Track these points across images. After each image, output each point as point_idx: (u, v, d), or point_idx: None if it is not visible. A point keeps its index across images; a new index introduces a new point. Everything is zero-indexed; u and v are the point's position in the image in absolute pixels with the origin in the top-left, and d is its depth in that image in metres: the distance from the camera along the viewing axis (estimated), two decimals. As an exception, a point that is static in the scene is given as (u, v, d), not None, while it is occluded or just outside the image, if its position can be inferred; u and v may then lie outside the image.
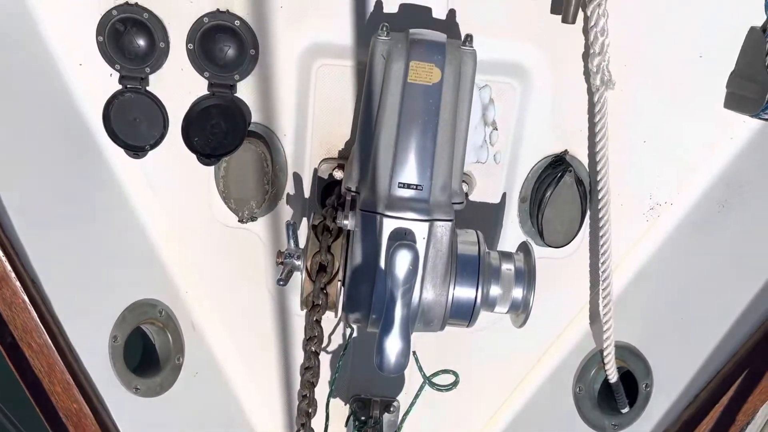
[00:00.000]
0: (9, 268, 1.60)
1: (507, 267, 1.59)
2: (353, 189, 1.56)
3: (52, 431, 1.70)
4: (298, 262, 1.59)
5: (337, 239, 1.55)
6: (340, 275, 1.53)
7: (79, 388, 1.71)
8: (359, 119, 1.55)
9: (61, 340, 1.69)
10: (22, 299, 1.62)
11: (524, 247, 1.62)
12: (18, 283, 1.61)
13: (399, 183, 1.46)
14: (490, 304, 1.59)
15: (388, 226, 1.45)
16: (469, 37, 1.49)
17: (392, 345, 1.41)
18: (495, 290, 1.58)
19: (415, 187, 1.46)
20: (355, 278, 1.50)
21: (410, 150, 1.45)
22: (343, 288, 1.54)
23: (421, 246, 1.45)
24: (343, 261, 1.54)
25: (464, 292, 1.55)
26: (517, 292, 1.58)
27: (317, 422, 1.70)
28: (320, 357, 1.64)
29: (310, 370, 1.61)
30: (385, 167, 1.46)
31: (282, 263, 1.59)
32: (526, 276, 1.58)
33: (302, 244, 1.64)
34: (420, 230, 1.45)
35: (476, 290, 1.55)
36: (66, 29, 1.70)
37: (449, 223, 1.47)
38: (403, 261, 1.37)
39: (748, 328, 1.78)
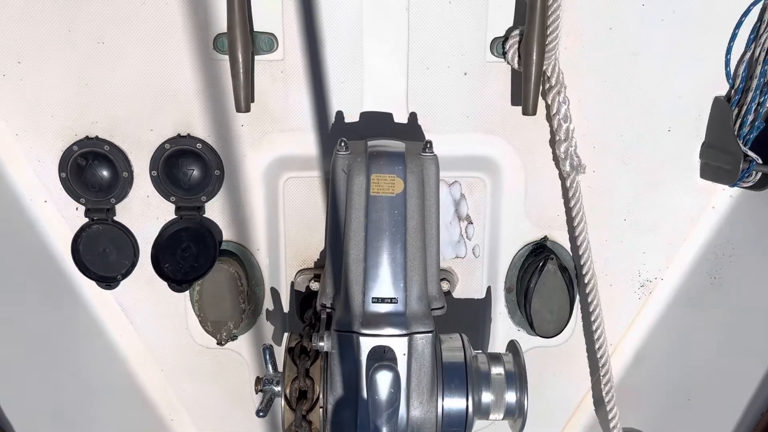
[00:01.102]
0: (-22, 423, 1.53)
1: (497, 371, 1.51)
2: (328, 305, 1.51)
3: None
4: (277, 388, 1.52)
5: (316, 361, 1.49)
6: (321, 401, 1.45)
7: None
8: (327, 234, 1.51)
9: (38, 493, 1.60)
10: (-6, 455, 1.55)
11: (512, 347, 1.55)
12: (-12, 439, 1.54)
13: (373, 298, 1.40)
14: (483, 411, 1.51)
15: (366, 345, 1.38)
16: (428, 144, 1.47)
17: (382, 473, 1.32)
18: (487, 396, 1.50)
19: (389, 300, 1.40)
20: (337, 404, 1.43)
21: (381, 263, 1.40)
22: (325, 418, 1.46)
23: (402, 363, 1.38)
24: (323, 385, 1.46)
25: (455, 403, 1.47)
26: (510, 396, 1.50)
27: None
28: None
29: None
30: (356, 283, 1.41)
31: (261, 390, 1.52)
32: (518, 378, 1.50)
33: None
34: (399, 346, 1.39)
35: (467, 399, 1.47)
36: (28, 168, 1.69)
37: (430, 335, 1.41)
38: (383, 384, 1.31)
39: (762, 403, 1.69)
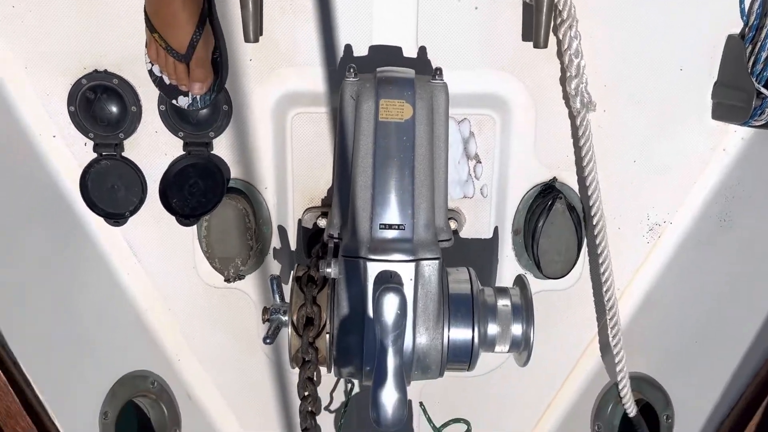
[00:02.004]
0: (-12, 350, 1.55)
1: (503, 303, 1.51)
2: (335, 236, 1.51)
3: None
4: (284, 318, 1.52)
5: (323, 289, 1.49)
6: (328, 327, 1.46)
7: (69, 471, 1.63)
8: (334, 163, 1.51)
9: (48, 423, 1.61)
10: (3, 382, 1.56)
11: (520, 281, 1.55)
12: (-1, 365, 1.55)
13: (380, 224, 1.40)
14: (489, 343, 1.51)
15: (373, 270, 1.38)
16: (438, 71, 1.46)
17: (388, 396, 1.32)
18: (493, 329, 1.50)
19: (397, 227, 1.40)
20: (344, 329, 1.43)
21: (388, 189, 1.40)
22: (331, 343, 1.47)
23: (408, 288, 1.39)
24: (329, 312, 1.47)
25: (460, 333, 1.47)
26: (516, 329, 1.50)
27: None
28: (321, 417, 1.56)
29: (308, 428, 1.52)
30: (364, 209, 1.41)
31: (268, 320, 1.52)
32: (524, 311, 1.50)
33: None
34: (406, 271, 1.39)
35: (473, 330, 1.47)
36: (37, 102, 1.69)
37: (436, 262, 1.41)
38: (390, 306, 1.30)
39: None
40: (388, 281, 1.37)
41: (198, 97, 1.62)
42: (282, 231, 1.82)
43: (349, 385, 1.92)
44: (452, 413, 1.96)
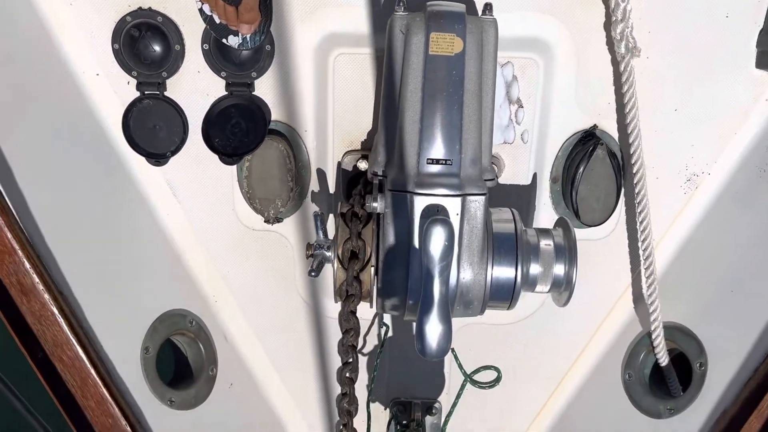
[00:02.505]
0: (37, 280, 1.57)
1: (546, 243, 1.52)
2: (380, 173, 1.52)
3: (87, 448, 1.65)
4: (328, 253, 1.54)
5: (367, 224, 1.51)
6: (372, 261, 1.48)
7: (112, 402, 1.66)
8: (381, 99, 1.51)
9: (92, 353, 1.64)
10: (52, 312, 1.59)
11: (563, 222, 1.56)
12: (47, 296, 1.58)
13: (427, 159, 1.41)
14: (530, 283, 1.53)
15: (420, 204, 1.40)
16: (488, 6, 1.45)
17: (433, 327, 1.35)
18: (535, 268, 1.52)
19: (444, 162, 1.41)
20: (389, 263, 1.45)
21: (437, 124, 1.40)
22: (376, 275, 1.49)
23: (455, 222, 1.40)
24: (374, 247, 1.49)
25: (503, 272, 1.48)
26: (559, 269, 1.52)
27: (358, 425, 1.64)
28: (357, 356, 1.59)
29: (349, 365, 1.55)
30: (411, 144, 1.42)
31: (312, 255, 1.54)
32: (567, 251, 1.51)
33: (332, 237, 1.60)
34: (453, 206, 1.40)
35: (516, 269, 1.48)
36: (81, 40, 1.70)
37: (482, 198, 1.42)
38: (438, 237, 1.32)
39: None
40: (436, 214, 1.38)
41: (248, 37, 1.62)
42: (321, 174, 1.83)
43: (384, 329, 1.95)
44: (483, 361, 1.98)
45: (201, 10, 1.62)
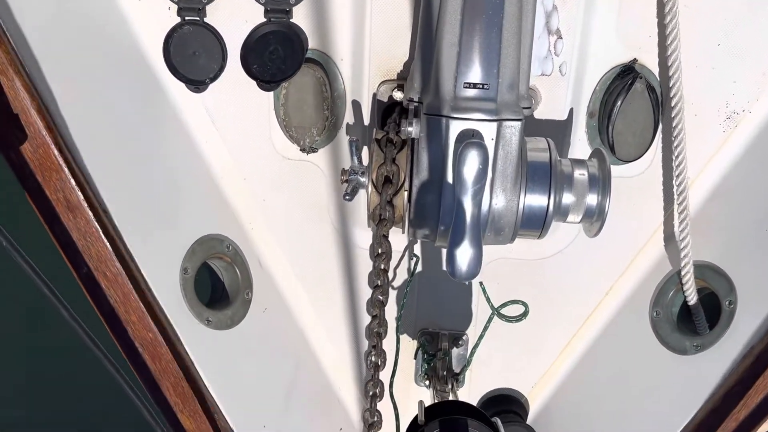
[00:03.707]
0: (81, 197, 1.62)
1: (580, 173, 1.53)
2: (416, 99, 1.53)
3: (129, 360, 1.73)
4: (362, 179, 1.57)
5: (402, 150, 1.52)
6: (406, 186, 1.50)
7: (153, 318, 1.73)
8: (419, 23, 1.51)
9: (134, 270, 1.71)
10: (96, 228, 1.65)
11: (598, 153, 1.56)
12: (90, 213, 1.63)
13: (464, 83, 1.42)
14: (562, 212, 1.54)
15: (455, 128, 1.41)
16: None
17: (464, 250, 1.37)
18: (568, 197, 1.52)
19: (481, 86, 1.41)
20: (422, 187, 1.47)
21: (475, 47, 1.40)
22: (409, 201, 1.51)
23: (489, 147, 1.41)
24: (408, 172, 1.51)
25: (535, 200, 1.50)
26: (592, 199, 1.52)
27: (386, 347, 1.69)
28: (388, 279, 1.62)
29: (380, 288, 1.59)
30: (449, 68, 1.42)
31: (346, 180, 1.57)
32: (601, 181, 1.52)
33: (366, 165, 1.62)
34: (488, 131, 1.41)
35: (548, 197, 1.49)
36: None
37: (518, 123, 1.43)
38: (472, 160, 1.33)
39: None
40: (470, 138, 1.39)
41: None
42: (356, 105, 1.85)
43: (413, 260, 1.98)
44: (511, 295, 2.01)
45: None
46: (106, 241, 1.66)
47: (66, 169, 1.60)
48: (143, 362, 1.74)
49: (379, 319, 1.60)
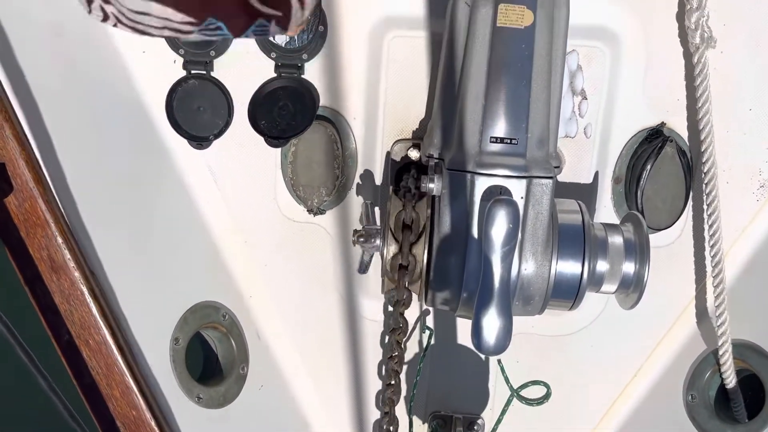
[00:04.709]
0: (68, 256, 1.48)
1: (615, 239, 1.40)
2: (436, 156, 1.42)
3: (108, 441, 1.54)
4: (376, 239, 1.44)
5: (422, 200, 1.40)
6: (425, 249, 1.37)
7: (138, 393, 1.56)
8: (440, 77, 1.43)
9: (121, 339, 1.54)
10: (81, 291, 1.50)
11: (633, 217, 1.44)
12: (77, 274, 1.49)
13: (491, 138, 1.31)
14: (596, 281, 1.41)
15: (481, 184, 1.30)
16: None
17: (492, 319, 1.23)
18: (602, 265, 1.39)
19: (509, 141, 1.31)
20: (444, 248, 1.34)
21: (502, 100, 1.31)
22: (428, 264, 1.38)
23: (519, 206, 1.29)
24: (428, 233, 1.38)
25: (568, 267, 1.37)
26: (629, 267, 1.39)
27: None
28: (400, 373, 1.46)
29: (391, 387, 1.42)
30: (474, 121, 1.33)
31: (360, 239, 1.43)
32: (638, 248, 1.39)
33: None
34: (517, 188, 1.30)
35: (582, 264, 1.36)
36: None
37: (549, 182, 1.31)
38: (501, 219, 1.21)
39: None
40: (498, 196, 1.27)
41: (295, 36, 1.57)
42: (368, 164, 1.74)
43: (426, 334, 1.83)
44: (532, 375, 1.85)
45: None
46: (91, 305, 1.50)
47: (53, 226, 1.46)
48: (124, 444, 1.56)
49: (389, 417, 1.43)
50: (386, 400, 1.37)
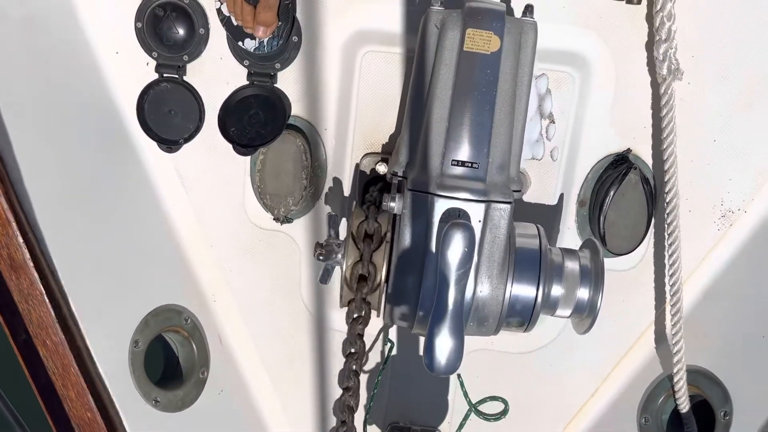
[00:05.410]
0: (28, 256, 1.48)
1: (571, 264, 1.42)
2: (400, 173, 1.43)
3: (61, 442, 1.54)
4: (338, 255, 1.45)
5: (379, 248, 1.41)
6: (384, 266, 1.38)
7: (93, 395, 1.55)
8: (408, 96, 1.44)
9: (78, 341, 1.55)
10: (40, 291, 1.50)
11: (591, 244, 1.46)
12: (36, 274, 1.49)
13: (452, 160, 1.33)
14: (551, 305, 1.42)
15: (440, 206, 1.31)
16: (529, 8, 1.39)
17: (443, 340, 1.24)
18: (557, 290, 1.41)
19: (470, 164, 1.32)
20: (403, 266, 1.35)
21: (465, 124, 1.32)
22: (386, 281, 1.39)
23: (476, 229, 1.30)
24: (388, 249, 1.39)
25: (523, 290, 1.38)
26: (583, 293, 1.41)
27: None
28: (359, 382, 1.47)
29: (350, 391, 1.42)
30: (437, 143, 1.34)
31: (321, 255, 1.44)
32: (593, 274, 1.41)
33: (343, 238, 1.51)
34: (475, 212, 1.31)
35: (537, 288, 1.38)
36: (104, 16, 1.65)
37: (508, 206, 1.33)
38: (457, 242, 1.22)
39: None
40: (456, 218, 1.29)
41: (265, 41, 1.57)
42: (337, 175, 1.75)
43: (387, 346, 1.84)
44: (491, 390, 1.87)
45: (219, 10, 1.57)
46: (50, 305, 1.50)
47: (14, 224, 1.46)
48: (77, 445, 1.56)
49: (347, 426, 1.43)
50: (344, 408, 1.38)
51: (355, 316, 1.41)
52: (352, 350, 1.42)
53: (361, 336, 1.42)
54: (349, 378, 1.42)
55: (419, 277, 1.33)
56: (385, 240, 1.42)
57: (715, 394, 1.71)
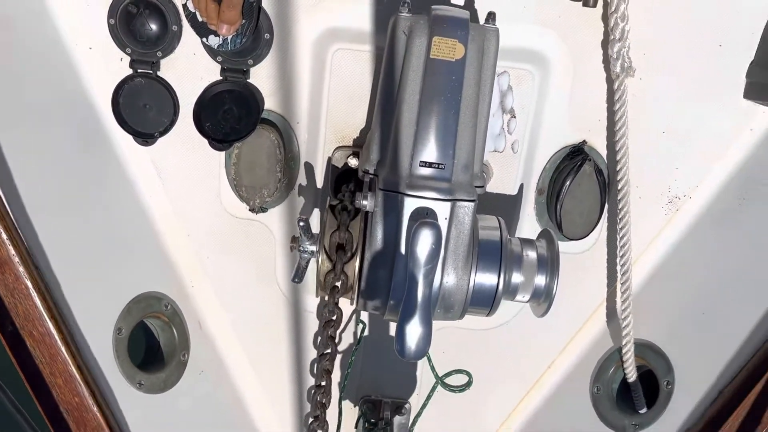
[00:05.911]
0: (12, 252, 1.53)
1: (529, 253, 1.54)
2: (371, 171, 1.52)
3: (52, 426, 1.62)
4: (312, 247, 1.54)
5: (356, 218, 1.50)
6: (357, 261, 1.48)
7: (81, 381, 1.63)
8: (378, 99, 1.51)
9: (64, 330, 1.61)
10: (25, 285, 1.56)
11: (546, 234, 1.58)
12: (21, 268, 1.54)
13: (420, 162, 1.42)
14: (511, 291, 1.54)
15: (410, 205, 1.40)
16: (491, 15, 1.46)
17: (413, 329, 1.35)
18: (517, 277, 1.53)
19: (437, 166, 1.42)
20: (375, 261, 1.45)
21: (432, 128, 1.41)
22: (360, 273, 1.49)
23: (442, 226, 1.41)
24: (361, 244, 1.49)
25: (486, 278, 1.50)
26: (540, 280, 1.53)
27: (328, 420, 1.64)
28: (336, 348, 1.59)
29: (327, 356, 1.55)
30: (406, 146, 1.42)
31: (297, 249, 1.53)
32: (549, 263, 1.53)
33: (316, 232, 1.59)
34: (442, 210, 1.41)
35: (498, 276, 1.50)
36: (77, 12, 1.67)
37: (471, 204, 1.43)
38: (425, 240, 1.32)
39: None
40: (424, 217, 1.39)
41: (229, 38, 1.60)
42: (309, 167, 1.83)
43: (360, 327, 1.95)
44: (456, 364, 2.00)
45: (185, 6, 1.59)
46: (36, 298, 1.56)
47: (-3, 222, 1.51)
48: (67, 428, 1.64)
49: (324, 389, 1.56)
50: (317, 404, 1.50)
51: (334, 285, 1.50)
52: (333, 318, 1.53)
53: (337, 304, 1.52)
54: (326, 345, 1.54)
55: (390, 271, 1.43)
56: (357, 249, 1.50)
57: (659, 365, 1.87)
